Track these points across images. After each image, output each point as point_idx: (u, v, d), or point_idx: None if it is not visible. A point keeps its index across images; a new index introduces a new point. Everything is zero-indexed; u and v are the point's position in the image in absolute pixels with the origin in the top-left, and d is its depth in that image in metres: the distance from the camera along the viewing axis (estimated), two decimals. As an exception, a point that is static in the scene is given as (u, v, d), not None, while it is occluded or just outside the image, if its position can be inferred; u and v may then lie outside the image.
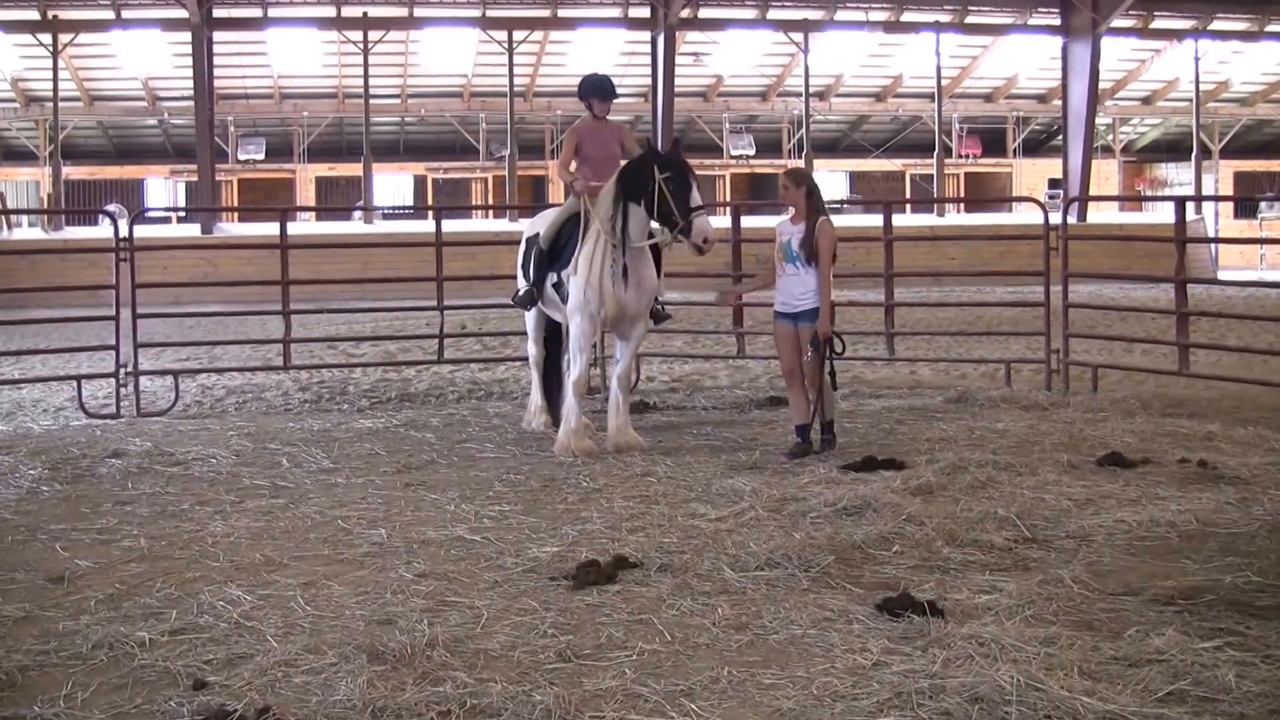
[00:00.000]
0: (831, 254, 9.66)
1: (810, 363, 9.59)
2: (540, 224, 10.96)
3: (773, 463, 9.38)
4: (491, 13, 35.35)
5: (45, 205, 39.40)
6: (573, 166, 10.65)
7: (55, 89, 33.54)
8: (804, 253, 9.62)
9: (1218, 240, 34.50)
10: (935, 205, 38.58)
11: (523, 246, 11.18)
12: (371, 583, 6.47)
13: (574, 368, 10.17)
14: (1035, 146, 48.08)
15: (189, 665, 5.29)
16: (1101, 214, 39.23)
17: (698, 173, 9.96)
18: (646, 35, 35.52)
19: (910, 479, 8.43)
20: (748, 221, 15.27)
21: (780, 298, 9.86)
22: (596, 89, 10.85)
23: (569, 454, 9.80)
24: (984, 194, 47.39)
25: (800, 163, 36.74)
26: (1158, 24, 39.07)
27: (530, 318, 11.10)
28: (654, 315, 10.69)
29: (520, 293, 10.94)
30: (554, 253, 10.43)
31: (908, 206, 41.72)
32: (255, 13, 34.27)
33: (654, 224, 9.86)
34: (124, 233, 12.80)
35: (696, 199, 9.65)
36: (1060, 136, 39.06)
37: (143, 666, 5.30)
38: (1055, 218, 13.34)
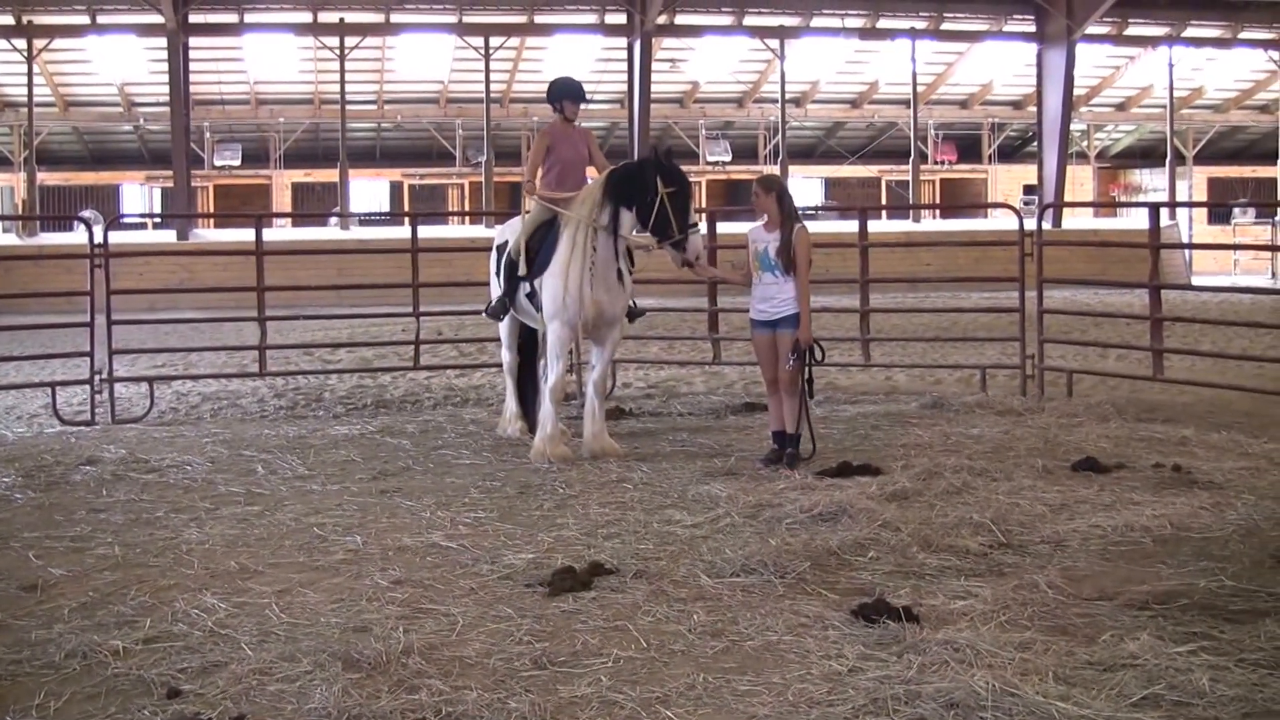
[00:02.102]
0: (808, 261, 9.68)
1: (790, 370, 9.58)
2: (509, 232, 10.95)
3: (748, 469, 9.38)
4: (468, 19, 35.27)
5: (20, 211, 39.17)
6: (539, 173, 10.67)
7: (30, 94, 33.29)
8: (781, 261, 9.61)
9: (1192, 246, 34.66)
10: (911, 211, 38.70)
11: (494, 254, 11.17)
12: (347, 590, 6.46)
13: (551, 374, 10.17)
14: (1010, 153, 48.29)
15: (163, 674, 5.27)
16: (1076, 220, 39.40)
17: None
18: (623, 41, 35.51)
19: (886, 485, 8.46)
20: (724, 228, 15.30)
21: (757, 306, 9.81)
22: (568, 92, 10.87)
23: (545, 460, 9.80)
24: (959, 200, 47.61)
25: (776, 169, 36.81)
26: (1132, 31, 39.27)
27: (504, 324, 11.10)
28: (630, 315, 10.70)
29: (492, 303, 10.93)
30: (527, 261, 10.41)
31: (883, 212, 41.83)
32: (231, 18, 34.10)
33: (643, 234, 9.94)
34: (99, 239, 12.76)
35: (694, 215, 9.74)
36: (1035, 143, 39.23)
37: (116, 675, 5.28)
38: (1030, 223, 13.41)
